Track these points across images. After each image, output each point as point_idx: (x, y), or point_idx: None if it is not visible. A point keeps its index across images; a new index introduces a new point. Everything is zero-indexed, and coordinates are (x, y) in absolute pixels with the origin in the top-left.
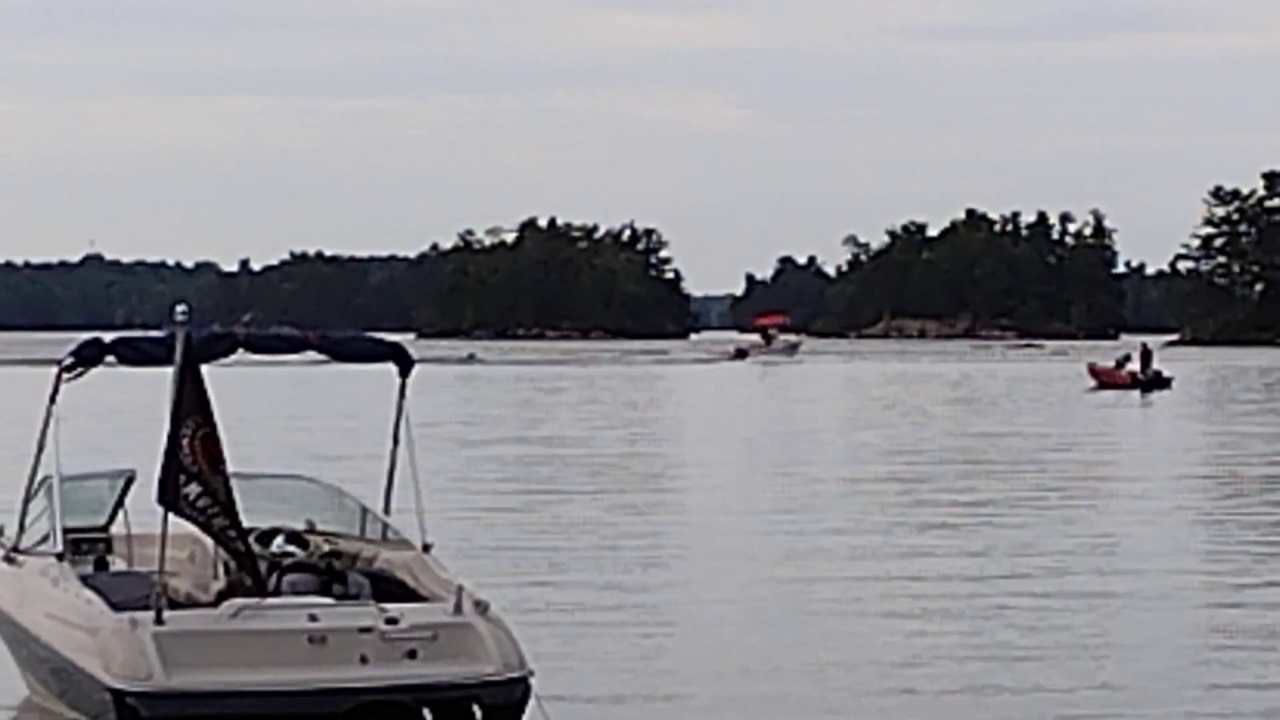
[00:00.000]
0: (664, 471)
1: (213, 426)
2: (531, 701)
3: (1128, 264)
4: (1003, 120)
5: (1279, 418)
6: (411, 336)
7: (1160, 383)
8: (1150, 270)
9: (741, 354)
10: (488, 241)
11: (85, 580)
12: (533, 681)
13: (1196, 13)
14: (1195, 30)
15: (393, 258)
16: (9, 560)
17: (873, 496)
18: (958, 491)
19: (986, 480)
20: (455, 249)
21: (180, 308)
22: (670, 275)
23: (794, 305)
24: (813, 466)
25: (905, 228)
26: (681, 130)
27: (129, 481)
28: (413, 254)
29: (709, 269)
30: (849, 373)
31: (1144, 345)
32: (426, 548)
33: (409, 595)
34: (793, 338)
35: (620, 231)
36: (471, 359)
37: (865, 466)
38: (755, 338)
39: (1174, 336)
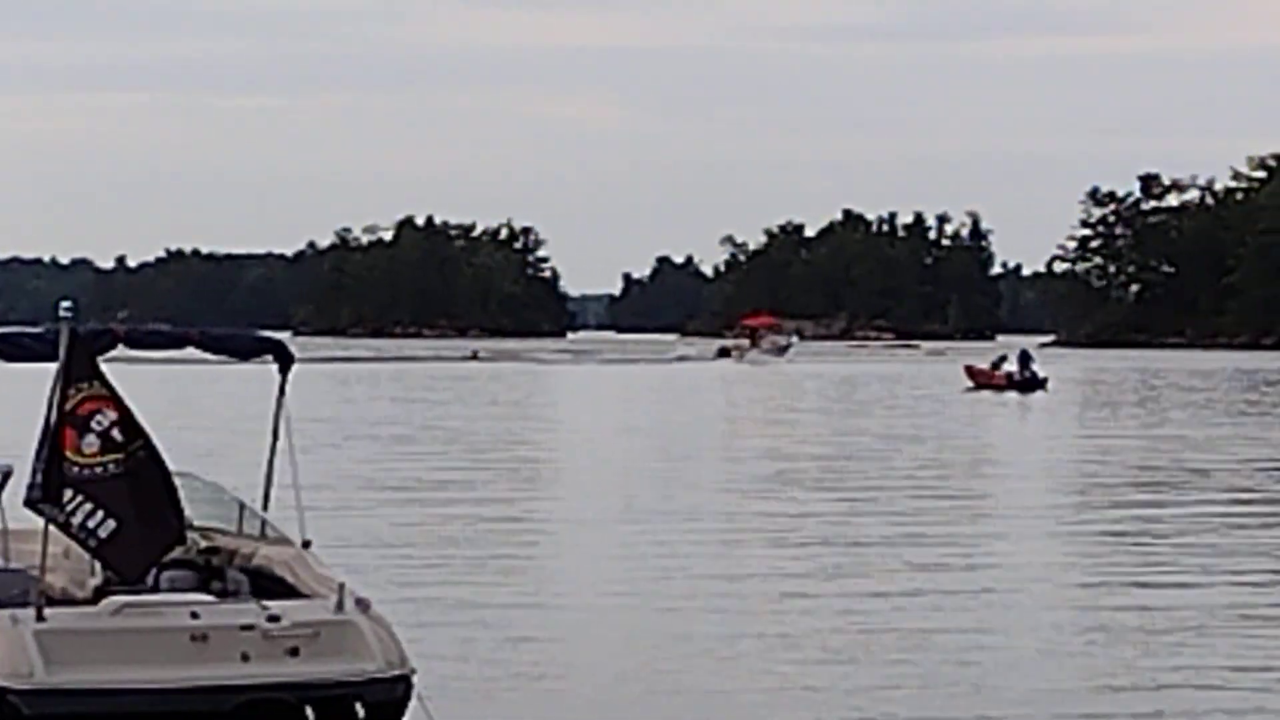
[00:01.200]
0: (550, 470)
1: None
2: (413, 699)
3: (1004, 265)
4: (881, 121)
5: (1152, 418)
6: (288, 334)
7: (1035, 384)
8: (1026, 272)
9: (724, 353)
10: (365, 240)
11: None
12: (414, 679)
13: (1075, 15)
14: (1073, 32)
15: (270, 255)
16: None
17: (750, 498)
18: (827, 489)
19: (855, 479)
20: (333, 247)
21: (65, 303)
22: (547, 274)
23: (671, 305)
24: (694, 464)
25: (783, 228)
26: (560, 128)
27: (6, 476)
28: (290, 252)
29: (587, 268)
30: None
31: (1023, 350)
32: (306, 544)
33: (288, 592)
34: (782, 339)
35: (498, 230)
36: (475, 356)
37: (748, 466)
38: (743, 340)
39: (1050, 338)
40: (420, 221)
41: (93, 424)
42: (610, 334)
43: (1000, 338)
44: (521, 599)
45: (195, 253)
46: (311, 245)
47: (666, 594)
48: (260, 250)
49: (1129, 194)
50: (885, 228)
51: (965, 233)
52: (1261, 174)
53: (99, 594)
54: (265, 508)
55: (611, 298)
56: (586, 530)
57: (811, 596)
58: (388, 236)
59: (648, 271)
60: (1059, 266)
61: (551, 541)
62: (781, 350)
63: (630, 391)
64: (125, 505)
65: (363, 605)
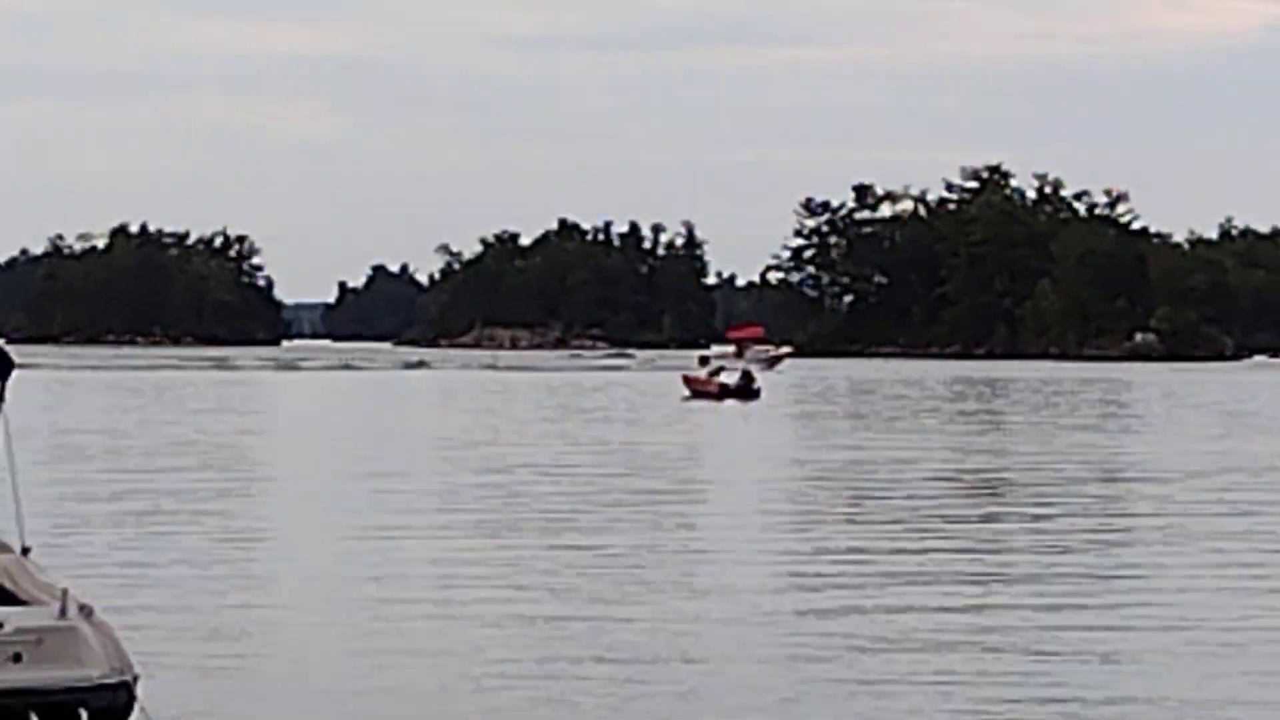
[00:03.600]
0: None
1: None
2: (136, 705)
3: (719, 275)
4: (596, 131)
5: (863, 426)
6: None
7: (750, 393)
8: (741, 281)
9: (704, 361)
10: (78, 248)
11: None
12: (138, 685)
13: (787, 25)
14: (787, 43)
15: None
16: None
17: (465, 512)
18: (533, 498)
19: (567, 491)
20: (45, 254)
21: None
22: (262, 283)
23: (386, 313)
24: (394, 467)
25: (498, 237)
26: (274, 137)
27: None
28: (1, 259)
29: (302, 277)
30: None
31: (744, 369)
32: (25, 551)
33: (8, 599)
34: (772, 350)
35: (212, 238)
36: (421, 365)
37: (465, 476)
38: (728, 350)
39: (764, 348)
40: (134, 229)
41: None
42: (326, 342)
43: (715, 347)
44: (244, 605)
45: None
46: (24, 252)
47: (387, 594)
48: None
49: (843, 204)
50: (601, 237)
51: (680, 242)
52: (974, 185)
53: None
54: None
55: (327, 306)
56: (305, 539)
57: (530, 606)
58: (101, 244)
59: (363, 280)
60: (773, 276)
61: (274, 549)
62: (772, 363)
63: (368, 400)
64: None
65: (85, 611)
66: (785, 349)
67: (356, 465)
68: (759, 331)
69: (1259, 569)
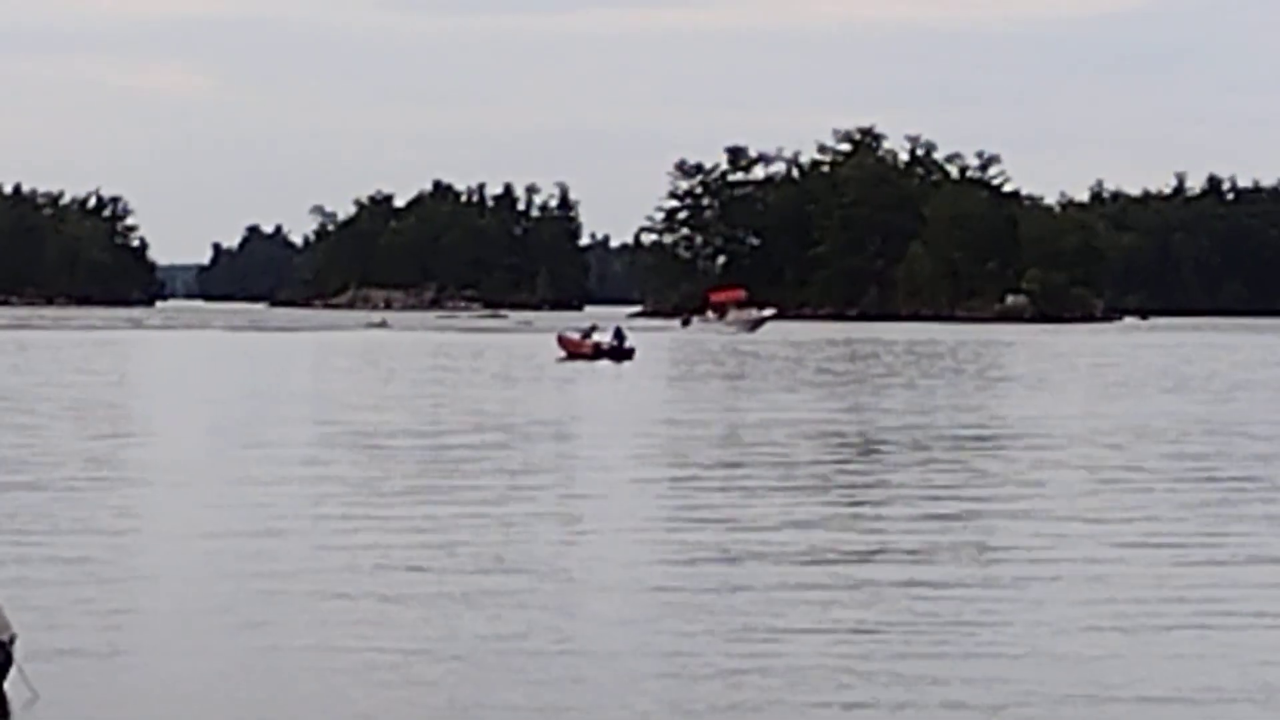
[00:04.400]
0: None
1: None
2: (13, 665)
3: (593, 236)
4: (470, 93)
5: (732, 386)
6: None
7: (624, 353)
8: (615, 243)
9: (687, 322)
10: None
11: None
12: (14, 645)
13: None
14: (660, 7)
15: None
16: None
17: (350, 466)
18: (418, 460)
19: (447, 449)
20: None
21: None
22: (136, 244)
23: (260, 274)
24: (263, 430)
25: (372, 198)
26: (147, 98)
27: None
28: None
29: (176, 237)
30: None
31: (617, 327)
32: None
33: None
34: (755, 312)
35: (85, 199)
36: (384, 325)
37: (340, 439)
38: (710, 315)
39: (638, 308)
40: (8, 190)
41: None
42: (200, 303)
43: (589, 308)
44: (120, 568)
45: None
46: None
47: (251, 551)
48: None
49: (715, 166)
50: (475, 199)
51: (554, 204)
52: (846, 147)
53: None
54: None
55: (201, 267)
56: (173, 504)
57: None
58: None
59: (238, 241)
60: (647, 238)
61: (144, 515)
62: (754, 325)
63: (251, 361)
64: None
65: None
66: (768, 311)
67: (230, 430)
68: (741, 295)
69: (1123, 533)
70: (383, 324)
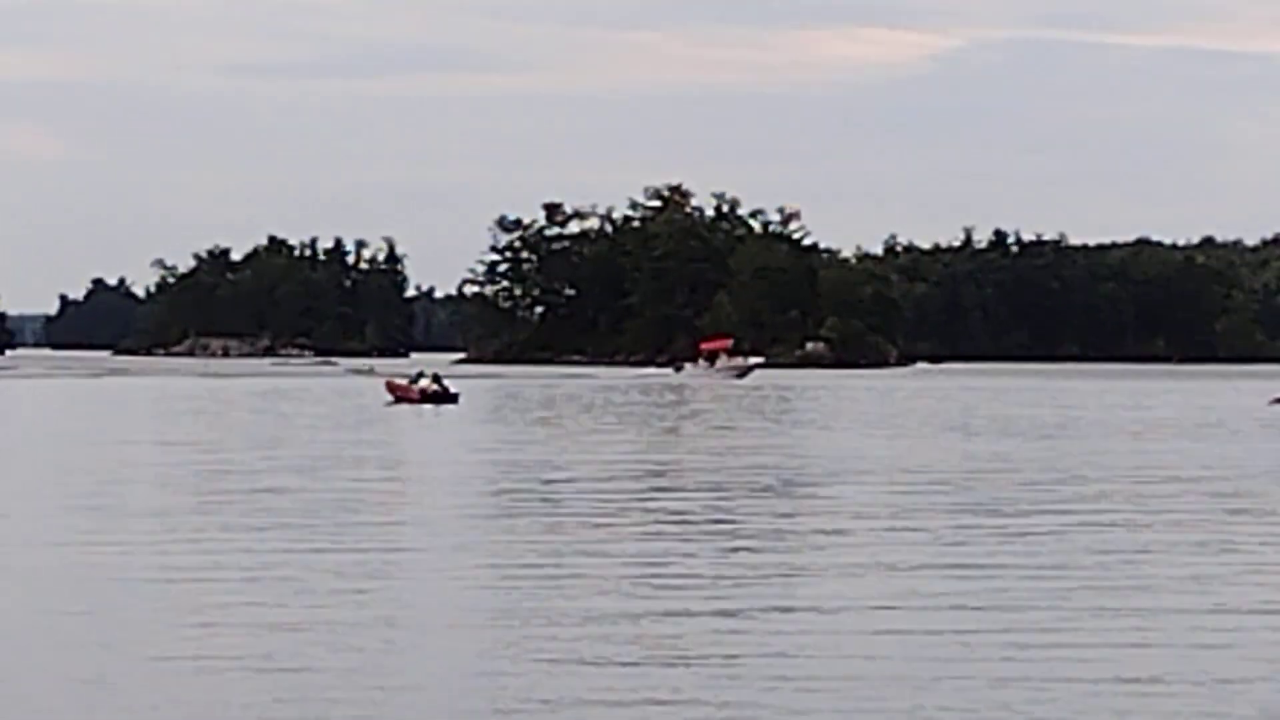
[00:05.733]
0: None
1: None
2: None
3: (418, 288)
4: (303, 152)
5: (541, 428)
6: None
7: (448, 398)
8: (440, 294)
9: (679, 368)
10: None
11: None
12: None
13: (478, 56)
14: (479, 71)
15: None
16: None
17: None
18: (244, 498)
19: (268, 493)
20: None
21: None
22: None
23: (105, 324)
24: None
25: (210, 252)
26: None
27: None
28: None
29: (24, 289)
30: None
31: (434, 374)
32: None
33: None
34: (743, 360)
35: None
36: (371, 371)
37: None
38: (701, 364)
39: (461, 355)
40: None
41: None
42: (48, 351)
43: (415, 355)
44: None
45: None
46: None
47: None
48: None
49: (534, 222)
50: (308, 252)
51: (381, 257)
52: (657, 203)
53: None
54: None
55: (48, 317)
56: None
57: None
58: None
59: (83, 293)
60: (469, 289)
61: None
62: (743, 373)
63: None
64: None
65: None
66: (755, 360)
67: (60, 478)
68: (729, 344)
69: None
70: (370, 371)
